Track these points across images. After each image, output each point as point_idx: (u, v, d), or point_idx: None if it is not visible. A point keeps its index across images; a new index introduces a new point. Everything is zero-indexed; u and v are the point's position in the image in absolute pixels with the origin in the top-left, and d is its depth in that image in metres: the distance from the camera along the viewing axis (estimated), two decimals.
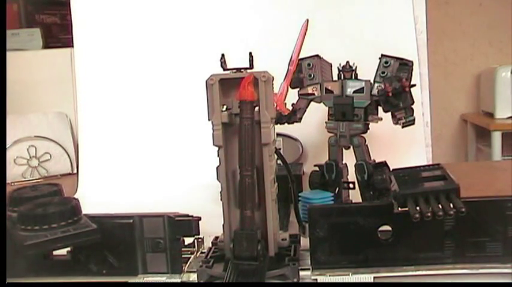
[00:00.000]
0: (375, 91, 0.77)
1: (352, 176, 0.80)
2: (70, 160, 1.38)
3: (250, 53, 0.63)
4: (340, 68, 0.80)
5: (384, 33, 1.09)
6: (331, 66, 0.84)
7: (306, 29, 0.80)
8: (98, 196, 1.06)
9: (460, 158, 2.54)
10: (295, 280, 0.61)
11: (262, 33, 1.13)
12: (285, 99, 0.80)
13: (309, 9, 1.10)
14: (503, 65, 2.20)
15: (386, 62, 0.77)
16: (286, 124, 0.83)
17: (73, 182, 1.19)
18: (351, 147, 0.79)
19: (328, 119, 0.81)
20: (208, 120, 0.63)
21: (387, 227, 0.63)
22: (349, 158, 0.81)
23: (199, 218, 0.65)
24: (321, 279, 0.62)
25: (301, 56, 0.80)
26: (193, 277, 0.64)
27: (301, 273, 0.62)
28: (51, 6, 1.92)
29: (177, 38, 1.17)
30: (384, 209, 0.63)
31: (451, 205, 0.57)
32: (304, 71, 0.81)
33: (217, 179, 0.64)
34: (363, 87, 0.78)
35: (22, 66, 1.46)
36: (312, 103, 0.82)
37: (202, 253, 0.70)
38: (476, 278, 0.61)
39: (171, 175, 1.12)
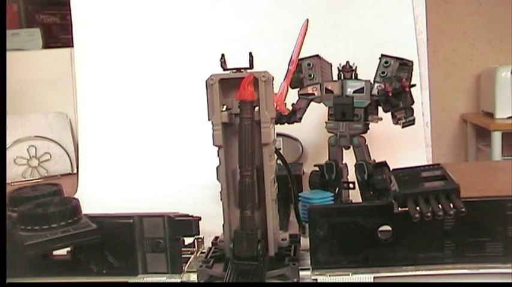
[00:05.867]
0: (375, 91, 0.77)
1: (352, 176, 0.80)
2: (70, 160, 1.38)
3: (250, 53, 0.63)
4: (340, 68, 0.80)
5: (384, 34, 1.09)
6: (331, 66, 0.84)
7: (306, 29, 0.80)
8: (98, 196, 1.06)
9: (460, 158, 2.55)
10: (295, 280, 0.61)
11: (262, 33, 1.13)
12: (285, 99, 0.80)
13: (309, 9, 1.10)
14: (503, 65, 2.21)
15: (386, 62, 0.77)
16: (286, 124, 0.83)
17: (73, 182, 1.19)
18: (351, 147, 0.79)
19: (328, 119, 0.81)
20: (208, 120, 0.63)
21: (387, 227, 0.63)
22: (349, 158, 0.81)
23: (199, 218, 0.64)
24: (321, 279, 0.62)
25: (301, 56, 0.80)
26: (193, 277, 0.64)
27: (301, 273, 0.62)
28: (51, 6, 1.92)
29: (177, 38, 1.17)
30: (384, 209, 0.63)
31: (451, 205, 0.57)
32: (304, 71, 0.81)
33: (217, 179, 0.64)
34: (363, 87, 0.78)
35: (22, 66, 1.46)
36: (312, 103, 0.82)
37: (202, 253, 0.70)
38: (476, 278, 0.61)
39: (171, 175, 1.12)
